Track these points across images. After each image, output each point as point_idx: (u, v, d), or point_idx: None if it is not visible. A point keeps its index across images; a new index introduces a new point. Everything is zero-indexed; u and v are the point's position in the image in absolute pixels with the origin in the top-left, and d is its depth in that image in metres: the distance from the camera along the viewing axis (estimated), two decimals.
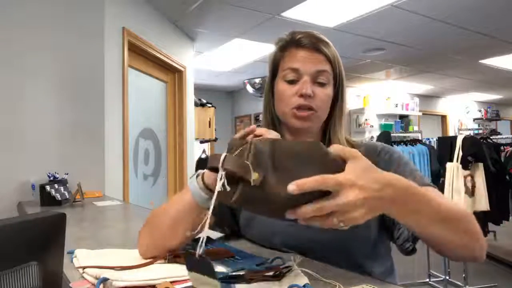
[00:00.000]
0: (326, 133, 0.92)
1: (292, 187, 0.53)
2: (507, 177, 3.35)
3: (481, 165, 3.12)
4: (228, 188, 0.55)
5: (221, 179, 0.55)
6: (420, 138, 4.64)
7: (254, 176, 0.55)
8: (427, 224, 0.63)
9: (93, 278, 0.66)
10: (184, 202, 0.76)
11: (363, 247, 0.83)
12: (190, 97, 3.92)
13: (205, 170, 0.71)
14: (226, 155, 0.56)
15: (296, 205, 0.56)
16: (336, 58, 0.89)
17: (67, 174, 2.11)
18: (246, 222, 0.94)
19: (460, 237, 0.66)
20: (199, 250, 0.52)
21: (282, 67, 0.89)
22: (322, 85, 0.87)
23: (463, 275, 3.20)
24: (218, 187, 0.55)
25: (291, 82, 0.87)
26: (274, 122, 0.94)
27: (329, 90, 0.88)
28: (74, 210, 1.74)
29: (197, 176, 0.74)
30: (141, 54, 3.01)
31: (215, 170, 0.58)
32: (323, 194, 0.55)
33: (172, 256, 0.74)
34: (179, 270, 0.68)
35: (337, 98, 0.91)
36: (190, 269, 0.54)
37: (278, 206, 0.57)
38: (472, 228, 0.68)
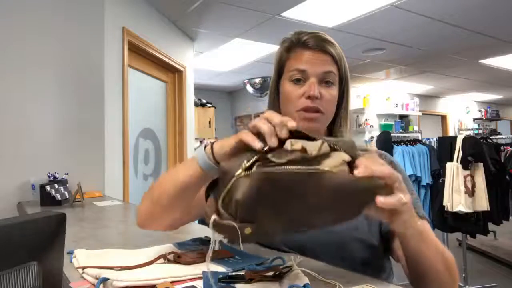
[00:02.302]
0: (331, 135, 0.93)
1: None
2: (507, 177, 3.35)
3: (481, 165, 3.12)
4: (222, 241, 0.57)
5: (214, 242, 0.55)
6: (420, 138, 4.64)
7: (247, 231, 0.53)
8: (421, 249, 0.70)
9: (93, 278, 0.66)
10: (189, 170, 0.72)
11: (362, 249, 0.83)
12: (190, 97, 3.92)
13: (214, 141, 0.71)
14: (214, 220, 0.54)
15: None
16: (342, 59, 0.89)
17: (67, 174, 2.11)
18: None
19: (444, 272, 0.72)
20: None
21: (288, 67, 0.89)
22: (328, 86, 0.87)
23: (463, 275, 3.20)
24: (211, 248, 0.55)
25: (298, 83, 0.87)
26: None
27: (335, 91, 0.88)
28: (74, 210, 1.74)
29: (205, 147, 0.70)
30: (141, 54, 3.01)
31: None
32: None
33: (173, 256, 0.74)
34: (179, 270, 0.68)
35: (342, 98, 0.91)
36: None
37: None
38: (453, 270, 0.74)
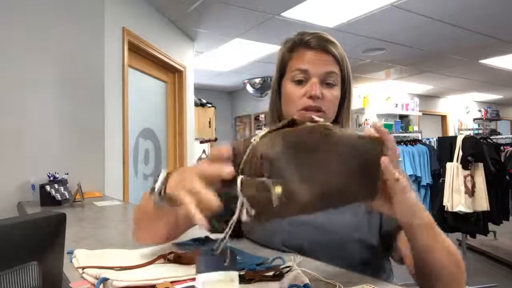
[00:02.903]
0: None
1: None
2: (507, 177, 3.35)
3: (481, 165, 3.12)
4: (252, 212, 0.49)
5: (242, 205, 0.49)
6: (420, 138, 4.64)
7: (277, 191, 0.49)
8: (428, 242, 0.66)
9: (93, 278, 0.66)
10: (153, 207, 0.69)
11: (361, 250, 0.83)
12: (190, 97, 3.92)
13: (164, 182, 0.65)
14: (242, 179, 0.50)
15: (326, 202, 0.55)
16: (344, 59, 0.89)
17: (67, 174, 2.11)
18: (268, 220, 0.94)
19: (452, 267, 0.69)
20: (223, 243, 0.49)
21: (290, 67, 0.89)
22: (330, 86, 0.87)
23: None
24: (237, 216, 0.50)
25: (300, 83, 0.86)
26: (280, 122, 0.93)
27: (337, 91, 0.88)
28: (74, 210, 1.73)
29: (159, 192, 0.65)
30: (141, 54, 3.01)
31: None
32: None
33: (173, 256, 0.74)
34: (179, 270, 0.68)
35: (344, 98, 0.91)
36: (204, 269, 0.49)
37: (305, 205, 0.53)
38: (461, 263, 0.71)
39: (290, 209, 0.52)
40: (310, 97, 0.84)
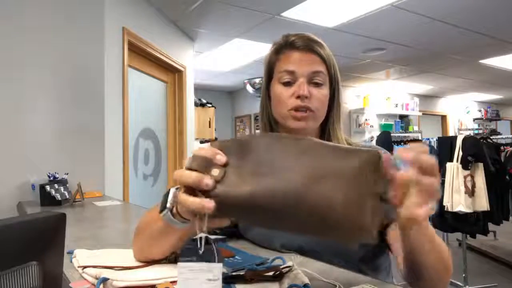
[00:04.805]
0: (325, 134, 0.93)
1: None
2: (507, 177, 3.35)
3: (481, 165, 3.12)
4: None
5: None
6: (420, 138, 4.64)
7: (214, 172, 0.52)
8: (420, 244, 0.66)
9: (93, 278, 0.66)
10: (160, 227, 0.66)
11: (361, 250, 0.83)
12: (190, 97, 3.92)
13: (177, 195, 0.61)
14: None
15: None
16: (331, 59, 0.89)
17: (67, 174, 2.11)
18: (246, 224, 0.94)
19: (441, 270, 0.70)
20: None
21: (277, 69, 0.90)
22: (318, 85, 0.87)
23: (463, 275, 3.20)
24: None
25: (287, 84, 0.87)
26: (271, 124, 0.95)
27: (325, 91, 0.89)
28: (74, 210, 1.74)
29: (171, 211, 0.62)
30: (141, 54, 3.01)
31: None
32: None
33: (173, 256, 0.74)
34: None
35: (334, 98, 0.92)
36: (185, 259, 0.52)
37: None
38: (449, 266, 0.72)
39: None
40: (298, 97, 0.85)
